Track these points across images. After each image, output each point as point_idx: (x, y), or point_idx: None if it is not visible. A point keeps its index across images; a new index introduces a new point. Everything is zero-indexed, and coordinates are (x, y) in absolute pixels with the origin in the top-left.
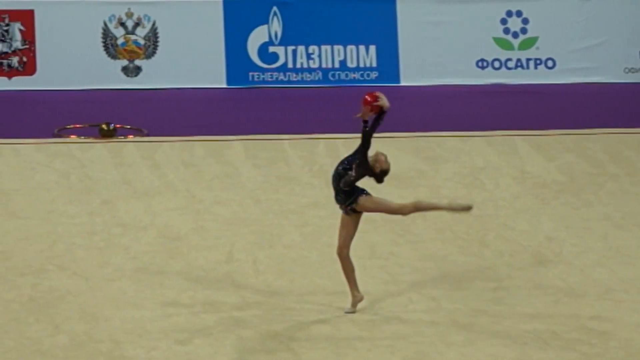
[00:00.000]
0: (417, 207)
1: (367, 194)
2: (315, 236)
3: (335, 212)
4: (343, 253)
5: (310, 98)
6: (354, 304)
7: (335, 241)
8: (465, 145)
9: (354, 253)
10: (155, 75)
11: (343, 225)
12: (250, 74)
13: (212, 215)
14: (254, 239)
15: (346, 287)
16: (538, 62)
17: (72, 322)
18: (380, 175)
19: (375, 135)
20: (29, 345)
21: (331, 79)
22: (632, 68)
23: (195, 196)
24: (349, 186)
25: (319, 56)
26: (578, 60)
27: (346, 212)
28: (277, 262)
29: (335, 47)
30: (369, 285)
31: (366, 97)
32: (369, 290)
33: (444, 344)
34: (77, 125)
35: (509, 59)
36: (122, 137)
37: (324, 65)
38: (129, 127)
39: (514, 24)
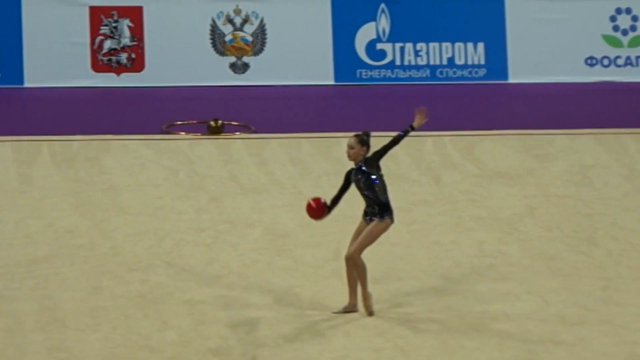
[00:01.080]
0: (354, 261)
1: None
2: (423, 233)
3: (443, 210)
4: (357, 258)
5: (417, 95)
6: (347, 309)
7: None
8: (574, 143)
9: (462, 252)
10: (263, 72)
11: (360, 231)
12: (358, 71)
13: None
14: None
15: (457, 285)
16: None
17: (180, 318)
18: None
19: (483, 133)
20: (137, 340)
21: (439, 76)
22: None
23: (303, 193)
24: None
25: (427, 53)
26: None
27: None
28: (384, 260)
29: (444, 44)
30: (477, 282)
31: None
32: (477, 288)
33: (553, 342)
34: (186, 122)
35: (618, 57)
36: (230, 133)
37: (431, 63)
38: (236, 123)
39: (624, 21)
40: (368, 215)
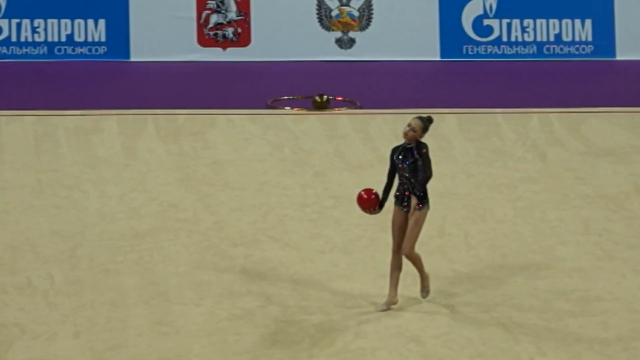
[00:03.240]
0: (410, 257)
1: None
2: (528, 211)
3: (549, 187)
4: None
5: (524, 72)
6: (388, 304)
7: None
8: None
9: (567, 228)
10: (369, 47)
11: (398, 221)
12: (464, 47)
13: None
14: (466, 213)
15: (562, 263)
16: None
17: (283, 293)
18: None
19: (590, 110)
20: (241, 315)
21: (546, 52)
22: None
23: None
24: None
25: (534, 29)
26: None
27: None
28: (489, 237)
29: (551, 20)
30: (582, 260)
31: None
32: (582, 265)
33: None
34: (291, 97)
35: None
36: (335, 109)
37: (538, 39)
38: (341, 99)
39: None
40: (405, 201)
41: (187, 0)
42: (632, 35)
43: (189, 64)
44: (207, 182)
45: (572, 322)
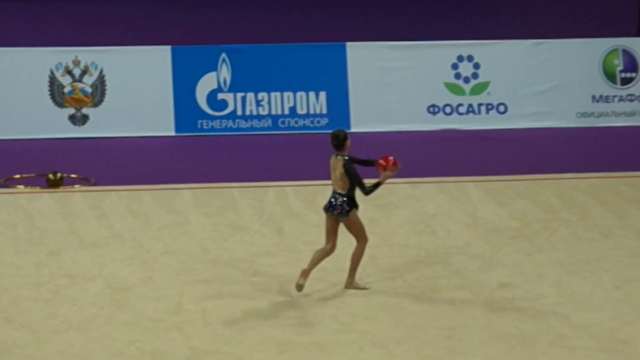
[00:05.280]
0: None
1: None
2: (265, 285)
3: (286, 261)
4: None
5: (260, 145)
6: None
7: None
8: (417, 191)
9: (309, 303)
10: (103, 123)
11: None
12: (199, 121)
13: (160, 265)
14: (203, 289)
15: (300, 338)
16: (490, 107)
17: None
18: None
19: (325, 182)
20: None
21: (281, 125)
22: (585, 112)
23: (144, 246)
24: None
25: (269, 103)
26: (530, 104)
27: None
28: (227, 313)
29: (285, 93)
30: (320, 333)
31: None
32: (318, 340)
33: None
34: (24, 175)
35: (461, 104)
36: (69, 186)
37: (273, 112)
38: (75, 176)
39: (465, 69)
40: (336, 209)
41: None
42: (366, 107)
43: None
44: None
45: None
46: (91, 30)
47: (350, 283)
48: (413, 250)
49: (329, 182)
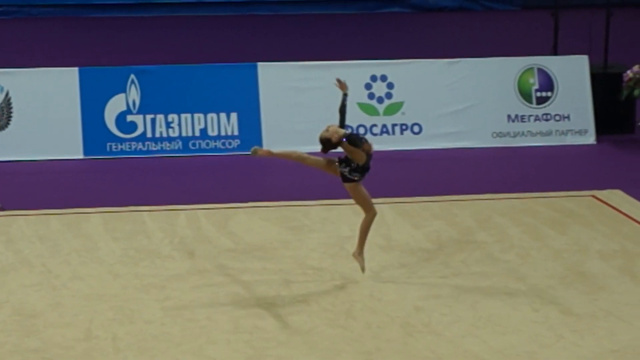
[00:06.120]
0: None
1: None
2: (177, 310)
3: (197, 285)
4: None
5: (170, 168)
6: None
7: None
8: (331, 214)
9: (216, 327)
10: (9, 147)
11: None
12: (108, 144)
13: (69, 291)
14: (113, 314)
15: None
16: (404, 127)
17: None
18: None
19: (238, 205)
20: None
21: (192, 147)
22: (500, 132)
23: (52, 271)
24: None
25: (179, 124)
26: (445, 124)
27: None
28: (137, 339)
29: (196, 115)
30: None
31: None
32: None
33: None
34: None
35: (374, 125)
36: None
37: (184, 134)
38: None
39: (379, 88)
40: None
41: None
42: (278, 128)
43: None
44: None
45: None
46: None
47: (358, 254)
48: (327, 273)
49: (241, 205)
